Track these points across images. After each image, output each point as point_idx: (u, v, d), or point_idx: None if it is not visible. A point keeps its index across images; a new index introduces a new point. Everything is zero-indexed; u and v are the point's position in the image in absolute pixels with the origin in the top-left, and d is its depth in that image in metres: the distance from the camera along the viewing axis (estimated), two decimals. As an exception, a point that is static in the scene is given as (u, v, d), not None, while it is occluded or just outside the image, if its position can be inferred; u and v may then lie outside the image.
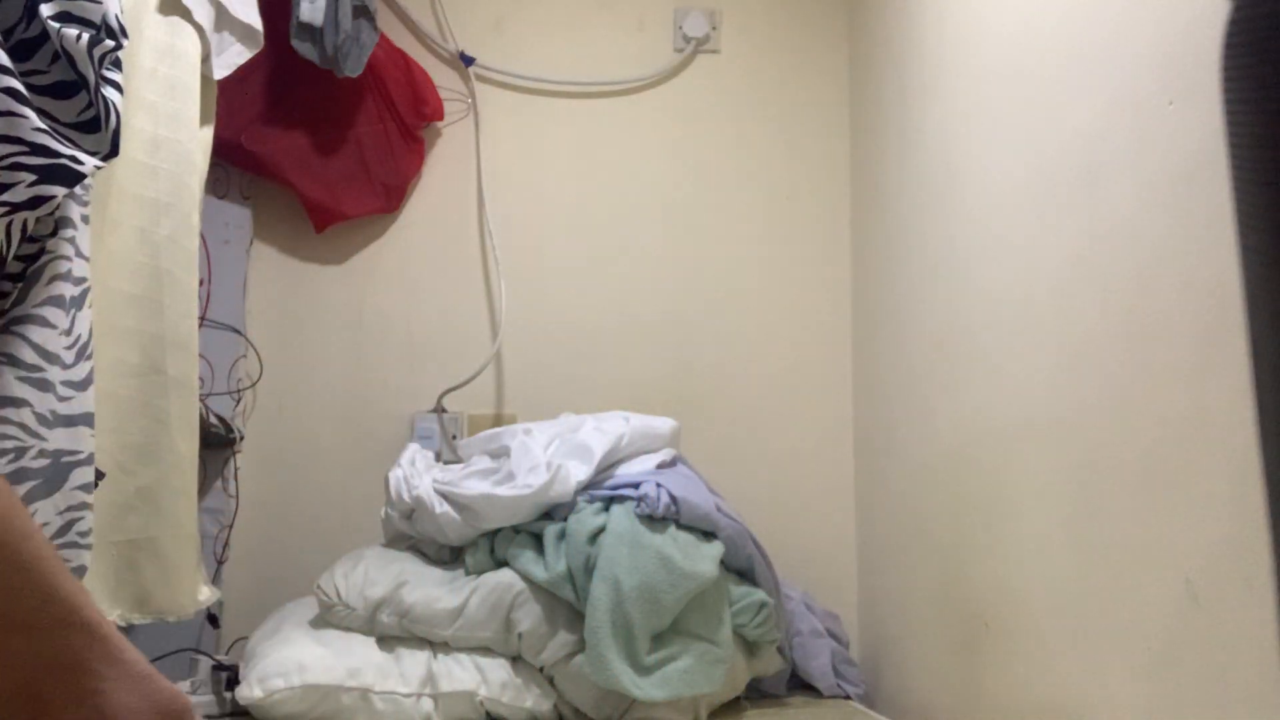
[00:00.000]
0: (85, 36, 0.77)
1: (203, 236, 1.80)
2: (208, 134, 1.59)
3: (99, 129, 0.80)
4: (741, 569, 1.75)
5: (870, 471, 2.12)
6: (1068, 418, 1.34)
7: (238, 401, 2.03)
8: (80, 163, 0.75)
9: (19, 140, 0.71)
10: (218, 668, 1.65)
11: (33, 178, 0.72)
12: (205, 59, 1.53)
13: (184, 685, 1.65)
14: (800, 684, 1.90)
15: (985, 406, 1.57)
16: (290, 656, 1.55)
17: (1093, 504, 1.28)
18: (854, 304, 2.23)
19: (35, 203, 0.73)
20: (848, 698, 1.88)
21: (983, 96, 1.61)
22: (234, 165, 2.04)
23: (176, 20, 1.44)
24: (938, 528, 1.74)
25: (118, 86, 0.84)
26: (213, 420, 1.91)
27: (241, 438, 2.02)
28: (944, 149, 1.75)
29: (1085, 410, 1.30)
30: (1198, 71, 1.09)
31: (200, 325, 1.82)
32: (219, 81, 1.60)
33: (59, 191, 0.74)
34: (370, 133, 2.08)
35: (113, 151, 0.83)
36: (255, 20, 1.62)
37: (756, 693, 1.84)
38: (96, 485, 1.06)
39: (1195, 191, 1.09)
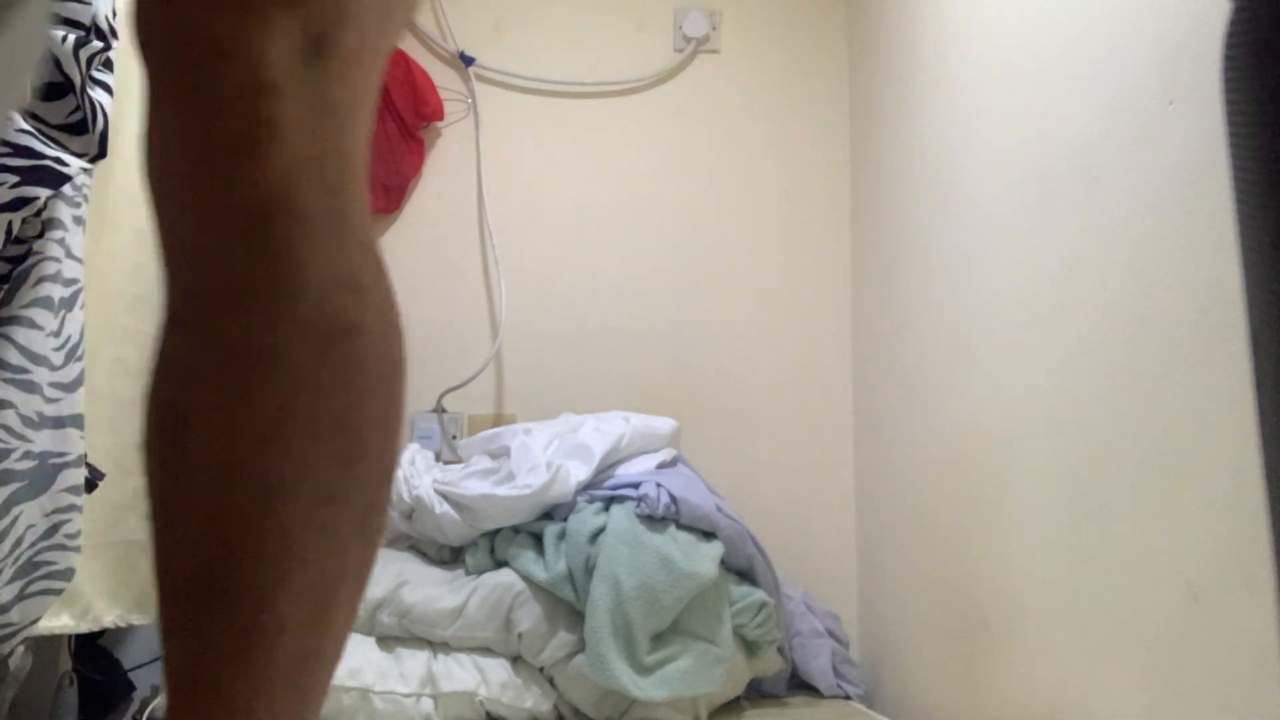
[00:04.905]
0: (71, 38, 0.76)
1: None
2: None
3: (87, 130, 0.79)
4: (741, 569, 1.75)
5: (870, 471, 2.12)
6: (1068, 417, 1.34)
7: (237, 401, 2.02)
8: (65, 164, 0.75)
9: (1, 141, 0.70)
10: (217, 668, 1.65)
11: (15, 179, 0.71)
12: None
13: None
14: (800, 684, 1.90)
15: (985, 406, 1.57)
16: (290, 657, 1.54)
17: (1093, 504, 1.28)
18: (854, 303, 2.23)
19: (18, 204, 0.72)
20: (848, 698, 1.88)
21: (983, 97, 1.61)
22: (234, 165, 2.04)
23: (176, 20, 1.43)
24: (938, 527, 1.74)
25: (108, 88, 0.83)
26: (212, 420, 1.91)
27: (241, 438, 2.01)
28: (944, 149, 1.75)
29: (1085, 410, 1.30)
30: (1198, 71, 1.09)
31: (200, 325, 1.81)
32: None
33: (43, 193, 0.74)
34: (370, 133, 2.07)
35: (100, 153, 0.82)
36: (255, 20, 1.62)
37: (756, 693, 1.84)
38: (97, 486, 1.05)
39: (1195, 191, 1.09)
